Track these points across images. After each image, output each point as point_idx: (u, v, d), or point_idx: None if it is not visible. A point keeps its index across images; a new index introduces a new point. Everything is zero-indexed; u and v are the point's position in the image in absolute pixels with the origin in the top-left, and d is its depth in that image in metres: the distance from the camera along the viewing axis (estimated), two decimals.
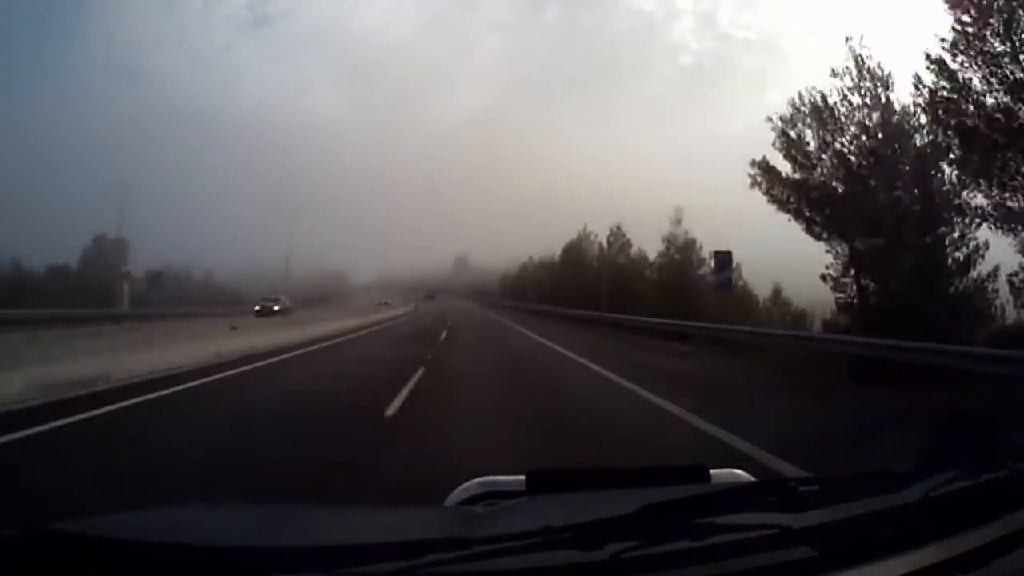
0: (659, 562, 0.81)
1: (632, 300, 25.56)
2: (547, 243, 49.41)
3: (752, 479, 1.21)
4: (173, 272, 48.56)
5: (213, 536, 0.86)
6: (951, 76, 9.80)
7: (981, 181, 9.94)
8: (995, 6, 9.27)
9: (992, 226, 10.05)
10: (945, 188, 10.90)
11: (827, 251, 12.52)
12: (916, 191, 11.36)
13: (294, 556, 0.79)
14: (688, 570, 0.81)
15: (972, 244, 10.65)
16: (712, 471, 1.13)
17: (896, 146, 11.75)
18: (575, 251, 39.80)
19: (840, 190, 12.24)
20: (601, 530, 0.82)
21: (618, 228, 33.65)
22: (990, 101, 9.49)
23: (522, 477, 1.11)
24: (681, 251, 25.31)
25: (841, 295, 12.50)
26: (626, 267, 31.26)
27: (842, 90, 12.18)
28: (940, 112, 10.18)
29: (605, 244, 34.51)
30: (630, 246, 32.38)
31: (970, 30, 9.49)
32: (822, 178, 12.57)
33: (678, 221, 25.60)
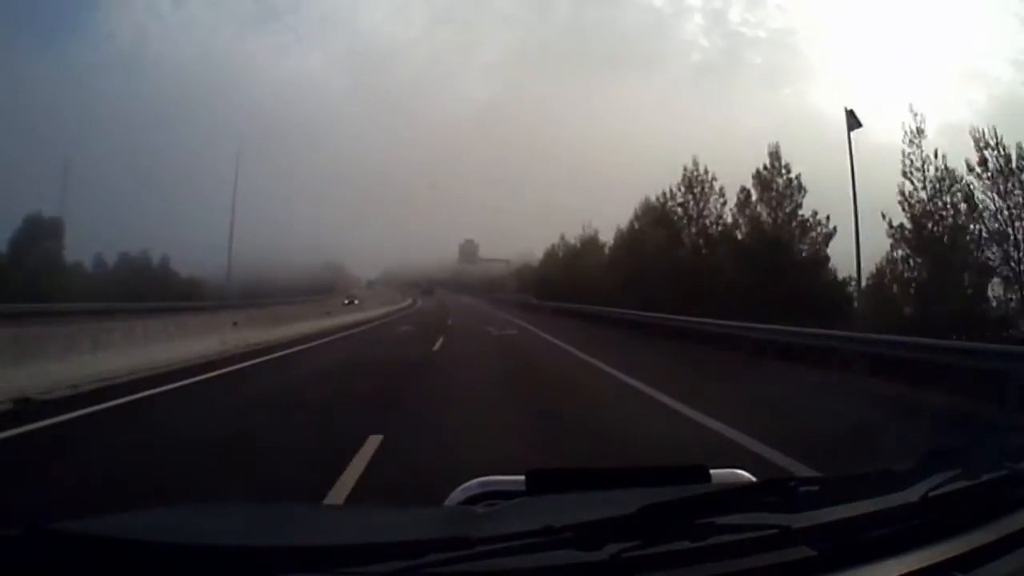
0: (659, 562, 0.81)
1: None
2: (563, 230, 39.81)
3: (752, 479, 1.21)
4: (129, 260, 41.47)
5: (213, 536, 0.86)
6: None
7: None
8: None
9: None
10: None
11: None
12: None
13: (294, 556, 0.79)
14: (688, 570, 0.81)
15: None
16: (712, 471, 1.13)
17: None
18: (665, 215, 22.17)
19: None
20: (601, 530, 0.82)
21: (775, 154, 18.01)
22: None
23: (522, 477, 1.11)
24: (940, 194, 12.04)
25: None
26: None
27: None
28: None
29: (752, 191, 18.53)
30: (802, 190, 17.04)
31: None
32: None
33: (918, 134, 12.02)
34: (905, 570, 0.86)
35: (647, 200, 24.76)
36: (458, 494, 1.22)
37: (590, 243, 34.69)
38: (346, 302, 32.38)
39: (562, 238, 40.37)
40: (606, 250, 32.10)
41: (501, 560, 0.77)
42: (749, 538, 0.85)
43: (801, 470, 3.73)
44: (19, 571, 0.72)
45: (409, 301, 44.07)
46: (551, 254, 42.28)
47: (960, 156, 12.68)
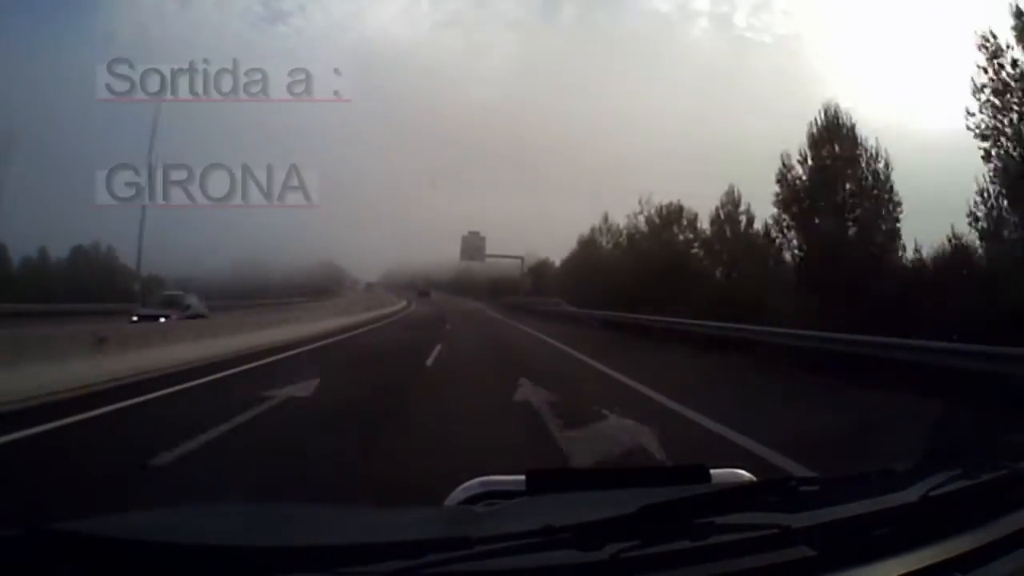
0: (659, 562, 0.81)
1: None
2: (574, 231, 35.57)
3: (752, 479, 1.21)
4: (82, 253, 38.52)
5: (213, 536, 0.86)
6: None
7: None
8: None
9: None
10: None
11: None
12: None
13: (294, 556, 0.79)
14: (688, 570, 0.81)
15: None
16: (712, 471, 1.13)
17: None
18: None
19: None
20: (601, 530, 0.82)
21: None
22: None
23: (522, 477, 1.11)
24: None
25: None
26: None
27: None
28: None
29: None
30: None
31: None
32: None
33: None
34: (905, 570, 0.86)
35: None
36: (458, 493, 1.22)
37: (671, 218, 21.80)
38: (134, 319, 13.13)
39: (606, 219, 28.82)
40: (699, 227, 20.81)
41: (501, 560, 0.77)
42: (749, 538, 0.85)
43: None
44: (19, 571, 0.72)
45: (400, 305, 36.14)
46: (587, 243, 30.42)
47: (962, 160, 12.57)
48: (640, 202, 23.53)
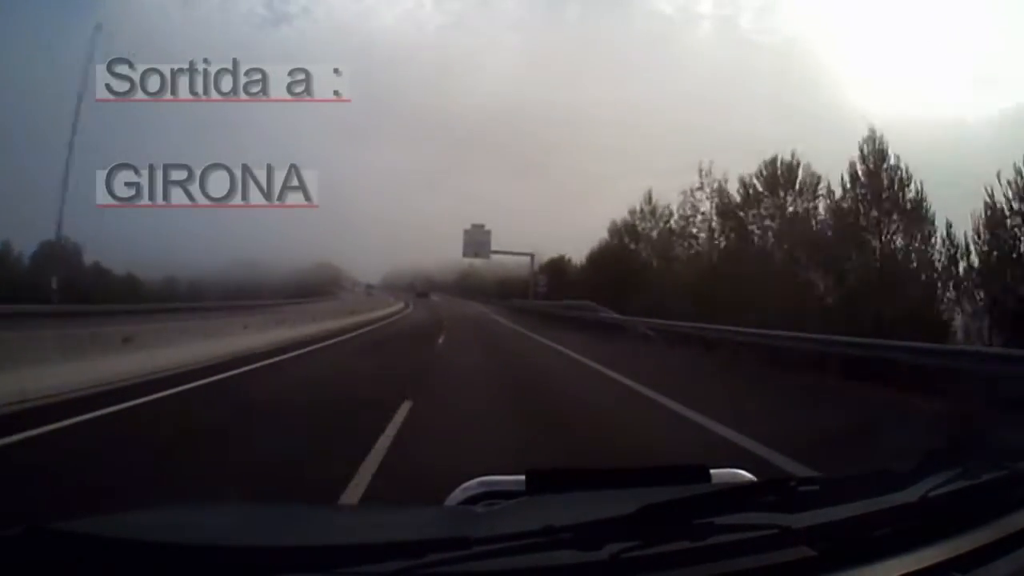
0: (659, 562, 0.81)
1: None
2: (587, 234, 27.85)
3: (752, 479, 1.21)
4: (50, 246, 33.04)
5: (213, 536, 0.86)
6: None
7: None
8: None
9: None
10: None
11: None
12: None
13: (294, 556, 0.79)
14: (688, 570, 0.81)
15: None
16: (712, 471, 1.13)
17: None
18: None
19: None
20: (601, 530, 0.82)
21: None
22: None
23: (522, 477, 1.11)
24: None
25: None
26: None
27: None
28: None
29: None
30: None
31: None
32: None
33: None
34: (905, 570, 0.86)
35: None
36: (458, 494, 1.22)
37: (777, 182, 15.13)
38: None
39: (649, 199, 22.86)
40: (832, 193, 13.76)
41: (501, 560, 0.77)
42: (749, 538, 0.85)
43: None
44: (19, 571, 0.72)
45: (392, 309, 33.14)
46: (624, 231, 23.88)
47: (966, 158, 12.36)
48: (701, 173, 18.15)
